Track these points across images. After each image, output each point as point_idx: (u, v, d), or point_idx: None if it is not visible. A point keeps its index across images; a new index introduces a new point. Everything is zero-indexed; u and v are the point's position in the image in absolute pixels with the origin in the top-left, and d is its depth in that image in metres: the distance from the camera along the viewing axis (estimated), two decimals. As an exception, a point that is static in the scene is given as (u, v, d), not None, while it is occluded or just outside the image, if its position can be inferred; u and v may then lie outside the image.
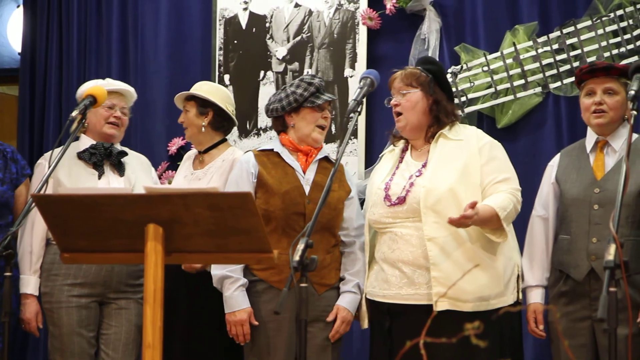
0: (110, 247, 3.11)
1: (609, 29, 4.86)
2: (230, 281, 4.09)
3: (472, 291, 3.83)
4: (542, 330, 4.07)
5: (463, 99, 5.06)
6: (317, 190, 4.07)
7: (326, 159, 4.25)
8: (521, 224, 4.22)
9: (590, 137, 4.12)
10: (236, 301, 4.08)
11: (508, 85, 5.03)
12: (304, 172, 4.17)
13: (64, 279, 4.37)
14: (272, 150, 4.22)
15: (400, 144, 4.18)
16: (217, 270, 4.13)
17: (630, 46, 4.83)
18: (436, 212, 3.85)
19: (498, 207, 3.79)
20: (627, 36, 4.83)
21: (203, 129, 4.57)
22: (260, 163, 4.15)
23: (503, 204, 3.82)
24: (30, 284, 4.42)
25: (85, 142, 4.53)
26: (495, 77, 5.04)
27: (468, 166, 3.92)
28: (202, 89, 4.63)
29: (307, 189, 4.12)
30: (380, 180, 4.09)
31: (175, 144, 5.57)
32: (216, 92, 4.64)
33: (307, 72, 5.32)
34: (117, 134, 4.56)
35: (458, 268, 3.83)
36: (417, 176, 3.98)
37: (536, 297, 4.09)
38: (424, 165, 4.01)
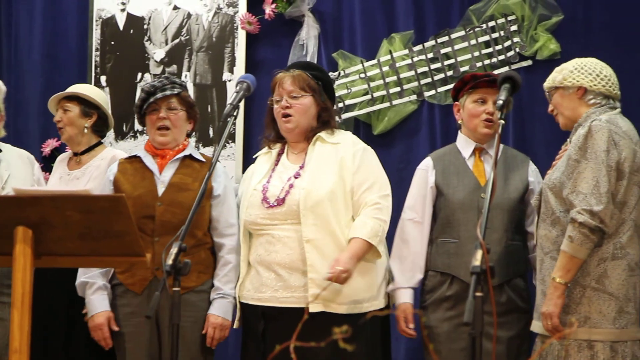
0: (-23, 249, 3.04)
1: (481, 39, 4.98)
2: (88, 286, 4.08)
3: (346, 294, 3.88)
4: (413, 330, 4.10)
5: (340, 105, 5.11)
6: (171, 192, 4.06)
7: (190, 157, 4.20)
8: (392, 226, 4.28)
9: (466, 143, 4.20)
10: (93, 305, 4.06)
11: (384, 92, 5.10)
12: (160, 174, 4.14)
13: None
14: (136, 155, 4.23)
15: (277, 146, 4.20)
16: (80, 279, 4.11)
17: (502, 57, 4.96)
18: (315, 214, 3.89)
19: (369, 237, 3.88)
20: (499, 47, 4.96)
21: (85, 130, 4.56)
22: (120, 170, 4.16)
23: (373, 230, 3.90)
24: None
25: None
26: (372, 84, 5.11)
27: (342, 171, 3.97)
28: (86, 89, 4.60)
29: (160, 190, 4.08)
30: (256, 182, 4.09)
31: (49, 145, 5.47)
32: (100, 96, 4.65)
33: (186, 76, 5.30)
34: None
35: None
36: (295, 178, 4.01)
37: (406, 297, 4.11)
38: (301, 167, 4.04)
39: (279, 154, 4.17)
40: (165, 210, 4.02)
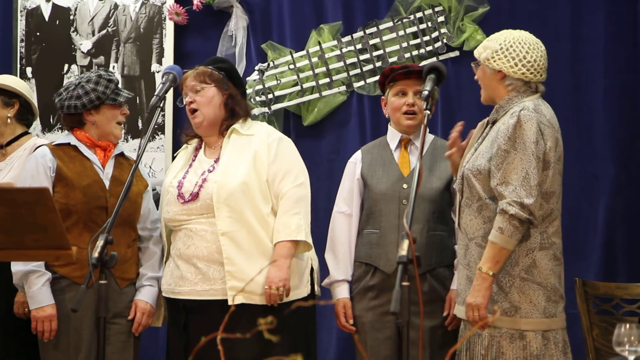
0: None
1: (409, 30, 5.01)
2: (36, 275, 3.98)
3: (263, 285, 3.88)
4: (353, 325, 4.12)
5: (270, 96, 5.11)
6: (116, 185, 4.04)
7: (122, 154, 4.22)
8: (326, 219, 4.31)
9: (394, 135, 4.23)
10: (44, 296, 3.99)
11: (314, 83, 5.12)
12: (103, 167, 4.11)
13: None
14: (68, 144, 4.14)
15: (193, 142, 4.20)
16: (19, 266, 4.01)
17: (429, 48, 5.00)
18: (229, 207, 3.90)
19: (295, 236, 3.90)
20: (426, 38, 5.00)
21: (8, 120, 4.51)
22: (57, 157, 4.07)
23: (296, 227, 3.91)
24: None
25: None
26: (301, 75, 5.12)
27: (257, 161, 3.98)
28: (6, 80, 4.54)
29: (107, 183, 4.07)
30: (171, 177, 4.10)
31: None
32: (20, 84, 4.59)
33: (113, 67, 5.25)
34: None
35: (252, 262, 3.88)
36: (209, 172, 4.01)
37: (344, 292, 4.16)
38: (216, 161, 4.04)
39: (197, 149, 4.17)
40: (116, 203, 4.00)
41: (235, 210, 3.90)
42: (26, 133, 4.58)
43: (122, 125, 4.21)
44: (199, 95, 4.05)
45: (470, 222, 3.70)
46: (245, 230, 3.90)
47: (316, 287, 4.10)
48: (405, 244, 3.01)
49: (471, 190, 3.70)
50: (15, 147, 4.50)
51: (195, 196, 3.97)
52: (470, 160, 3.74)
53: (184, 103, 4.10)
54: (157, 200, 4.28)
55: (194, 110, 4.05)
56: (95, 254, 3.15)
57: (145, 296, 4.08)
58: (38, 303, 3.99)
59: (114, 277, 3.97)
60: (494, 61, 3.70)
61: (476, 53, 3.80)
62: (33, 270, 3.99)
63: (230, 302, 3.84)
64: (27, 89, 4.60)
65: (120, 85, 4.24)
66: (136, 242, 4.15)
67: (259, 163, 3.98)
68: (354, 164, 4.27)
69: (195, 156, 4.14)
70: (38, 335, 4.02)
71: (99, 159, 4.12)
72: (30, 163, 4.10)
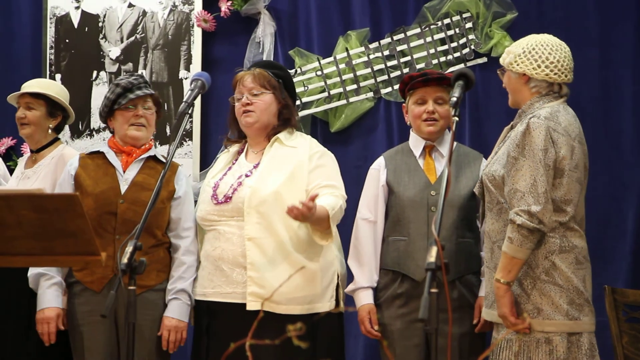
0: None
1: (436, 36, 5.01)
2: (45, 278, 4.05)
3: (286, 294, 3.88)
4: (378, 331, 4.11)
5: (297, 102, 5.11)
6: (134, 190, 4.06)
7: (154, 158, 4.21)
8: (353, 226, 4.29)
9: (417, 142, 4.22)
10: (46, 299, 4.04)
11: (341, 89, 5.12)
12: (124, 171, 4.13)
13: None
14: (98, 151, 4.19)
15: (235, 146, 4.21)
16: (33, 270, 4.07)
17: (457, 54, 4.99)
18: (259, 213, 3.91)
19: (328, 206, 3.86)
20: (454, 44, 4.99)
21: (49, 131, 4.57)
22: (82, 165, 4.13)
23: (331, 203, 3.89)
24: None
25: None
26: (329, 81, 5.12)
27: (296, 171, 3.99)
28: (53, 89, 4.60)
29: (124, 188, 4.08)
30: (210, 178, 4.14)
31: (4, 144, 5.41)
32: (64, 93, 4.62)
33: (142, 73, 5.26)
34: None
35: (275, 270, 3.89)
36: (246, 176, 4.03)
37: (368, 298, 4.14)
38: (255, 167, 4.05)
39: (239, 153, 4.19)
40: (127, 209, 4.01)
41: (264, 217, 3.91)
42: (56, 139, 4.62)
43: (140, 127, 4.17)
44: (258, 99, 4.07)
45: (492, 226, 3.72)
46: (272, 239, 3.91)
47: (341, 304, 4.07)
48: (434, 250, 3.00)
49: (490, 194, 3.73)
50: (44, 155, 4.54)
51: (228, 198, 3.99)
52: (488, 165, 3.76)
53: (236, 102, 4.11)
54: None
55: (249, 110, 4.07)
56: (125, 260, 3.15)
57: (172, 312, 4.04)
58: (40, 305, 4.05)
59: (122, 284, 3.95)
60: (517, 65, 3.71)
61: (500, 60, 3.82)
62: (43, 273, 4.05)
63: (249, 308, 3.86)
64: (67, 97, 4.65)
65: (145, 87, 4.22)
66: (158, 248, 4.09)
67: (298, 173, 3.99)
68: (377, 171, 4.25)
69: (236, 159, 4.16)
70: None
71: (122, 164, 4.14)
72: (62, 173, 4.20)
